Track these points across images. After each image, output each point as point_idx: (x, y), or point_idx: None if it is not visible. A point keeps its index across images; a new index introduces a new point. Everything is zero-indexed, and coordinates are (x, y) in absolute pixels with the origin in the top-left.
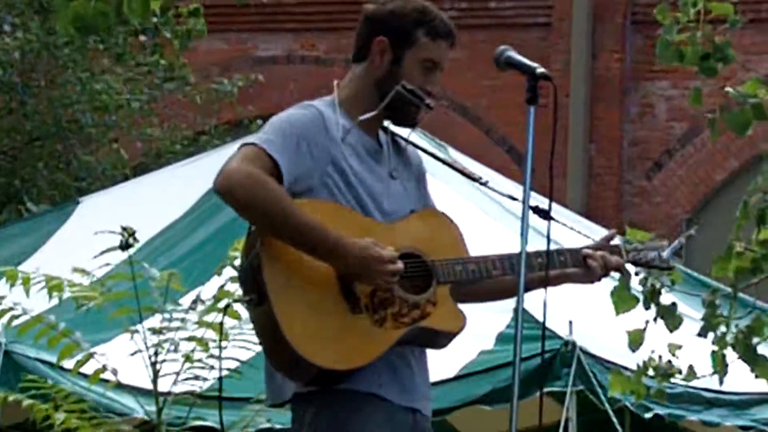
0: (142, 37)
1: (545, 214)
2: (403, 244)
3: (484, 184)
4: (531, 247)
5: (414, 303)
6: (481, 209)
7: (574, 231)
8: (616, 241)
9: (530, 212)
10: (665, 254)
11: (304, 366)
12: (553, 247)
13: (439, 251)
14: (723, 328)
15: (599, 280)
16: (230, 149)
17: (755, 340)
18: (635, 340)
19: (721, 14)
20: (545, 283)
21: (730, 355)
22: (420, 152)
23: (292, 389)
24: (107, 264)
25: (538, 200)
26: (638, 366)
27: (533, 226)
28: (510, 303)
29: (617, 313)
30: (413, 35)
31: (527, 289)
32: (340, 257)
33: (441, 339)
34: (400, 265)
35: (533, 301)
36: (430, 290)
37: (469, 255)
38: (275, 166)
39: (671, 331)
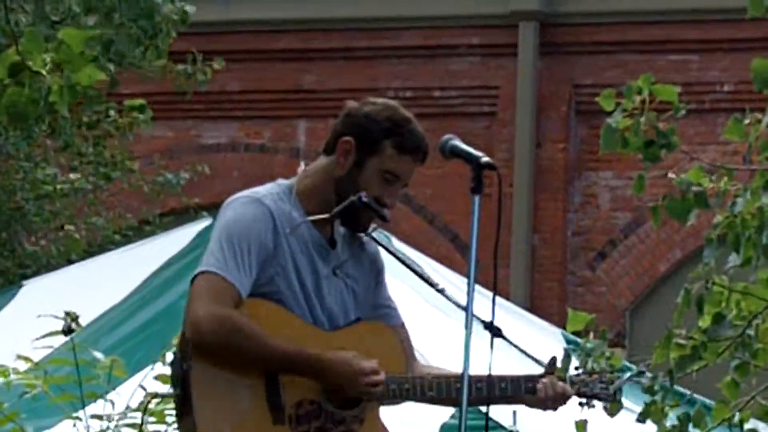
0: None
1: (494, 331)
2: None
3: (441, 291)
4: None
5: (340, 419)
6: (435, 306)
7: (522, 352)
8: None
9: (474, 309)
10: (612, 388)
11: None
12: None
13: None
14: (664, 421)
15: (552, 408)
16: (174, 235)
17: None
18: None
19: (666, 101)
20: (488, 401)
21: None
22: (380, 248)
23: None
24: (49, 346)
25: (482, 293)
26: None
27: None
28: None
29: None
30: (380, 144)
31: (470, 404)
32: (324, 373)
33: None
34: (382, 376)
35: None
36: (359, 406)
37: (406, 372)
38: (237, 292)
39: (611, 416)
